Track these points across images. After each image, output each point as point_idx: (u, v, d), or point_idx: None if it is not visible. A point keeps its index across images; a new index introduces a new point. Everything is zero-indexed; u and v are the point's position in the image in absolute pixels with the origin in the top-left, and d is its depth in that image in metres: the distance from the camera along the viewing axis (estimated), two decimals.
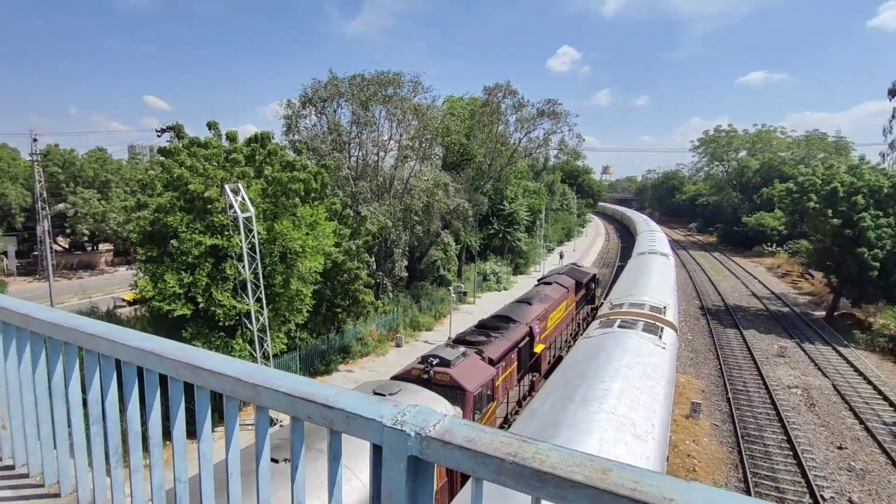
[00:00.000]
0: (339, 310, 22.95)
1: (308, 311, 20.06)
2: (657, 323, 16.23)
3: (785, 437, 17.82)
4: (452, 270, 38.96)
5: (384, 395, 10.84)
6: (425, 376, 12.12)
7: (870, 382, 23.19)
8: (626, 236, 77.85)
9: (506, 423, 14.39)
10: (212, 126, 21.58)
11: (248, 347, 17.38)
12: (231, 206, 15.87)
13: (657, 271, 26.95)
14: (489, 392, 13.42)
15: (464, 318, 27.21)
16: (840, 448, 17.39)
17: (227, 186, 15.96)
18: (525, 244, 48.02)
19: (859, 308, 35.26)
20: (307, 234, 18.90)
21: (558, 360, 19.36)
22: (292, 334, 20.83)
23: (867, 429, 18.67)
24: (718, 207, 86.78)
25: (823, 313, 36.24)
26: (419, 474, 1.29)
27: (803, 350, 27.87)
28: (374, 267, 28.31)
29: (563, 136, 38.31)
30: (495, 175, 39.97)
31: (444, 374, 12.13)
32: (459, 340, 15.47)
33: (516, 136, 39.25)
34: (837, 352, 27.45)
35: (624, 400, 9.76)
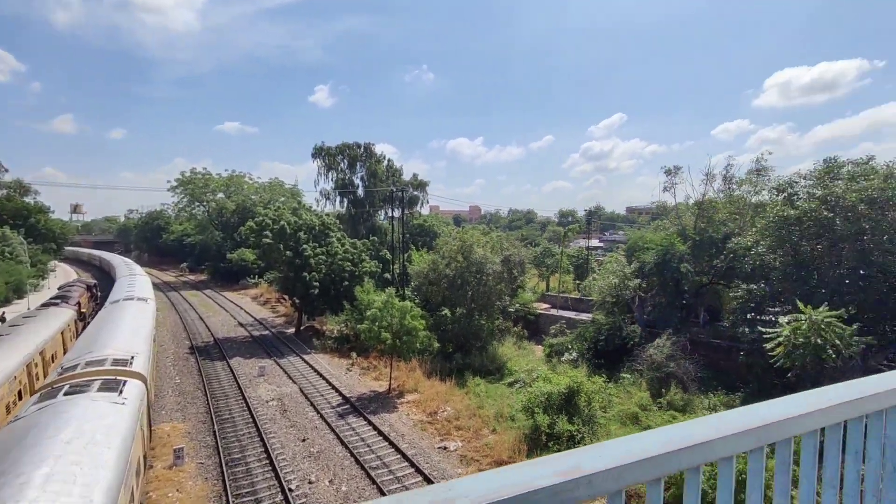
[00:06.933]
0: None
1: None
2: (119, 377, 14.69)
3: (263, 448, 19.89)
4: None
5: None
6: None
7: (323, 377, 29.34)
8: (108, 284, 67.96)
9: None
10: None
11: None
12: None
13: (130, 319, 24.68)
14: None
15: None
16: (304, 440, 20.96)
17: None
18: None
19: (315, 320, 44.24)
20: None
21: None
22: None
23: (322, 416, 23.45)
24: (205, 246, 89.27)
25: (294, 329, 43.33)
26: None
27: (279, 365, 32.22)
28: None
29: None
30: None
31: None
32: (57, 297, 30.89)
33: None
34: (303, 360, 33.32)
35: (52, 485, 8.10)
